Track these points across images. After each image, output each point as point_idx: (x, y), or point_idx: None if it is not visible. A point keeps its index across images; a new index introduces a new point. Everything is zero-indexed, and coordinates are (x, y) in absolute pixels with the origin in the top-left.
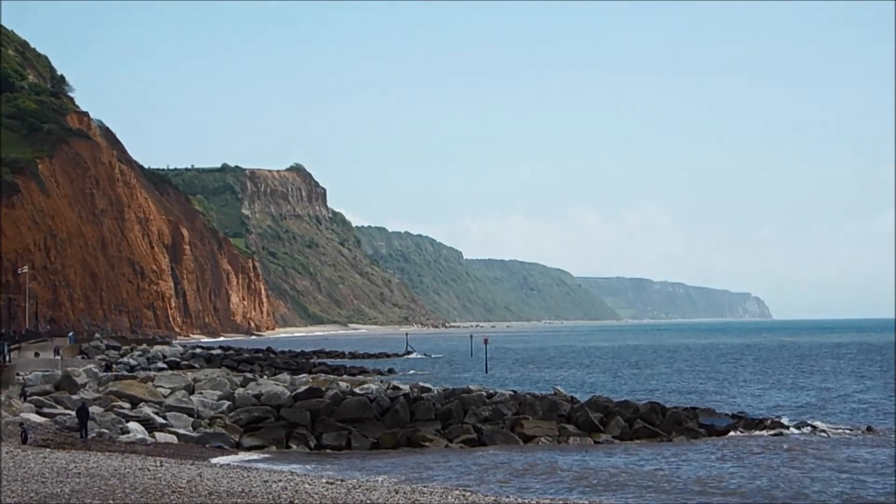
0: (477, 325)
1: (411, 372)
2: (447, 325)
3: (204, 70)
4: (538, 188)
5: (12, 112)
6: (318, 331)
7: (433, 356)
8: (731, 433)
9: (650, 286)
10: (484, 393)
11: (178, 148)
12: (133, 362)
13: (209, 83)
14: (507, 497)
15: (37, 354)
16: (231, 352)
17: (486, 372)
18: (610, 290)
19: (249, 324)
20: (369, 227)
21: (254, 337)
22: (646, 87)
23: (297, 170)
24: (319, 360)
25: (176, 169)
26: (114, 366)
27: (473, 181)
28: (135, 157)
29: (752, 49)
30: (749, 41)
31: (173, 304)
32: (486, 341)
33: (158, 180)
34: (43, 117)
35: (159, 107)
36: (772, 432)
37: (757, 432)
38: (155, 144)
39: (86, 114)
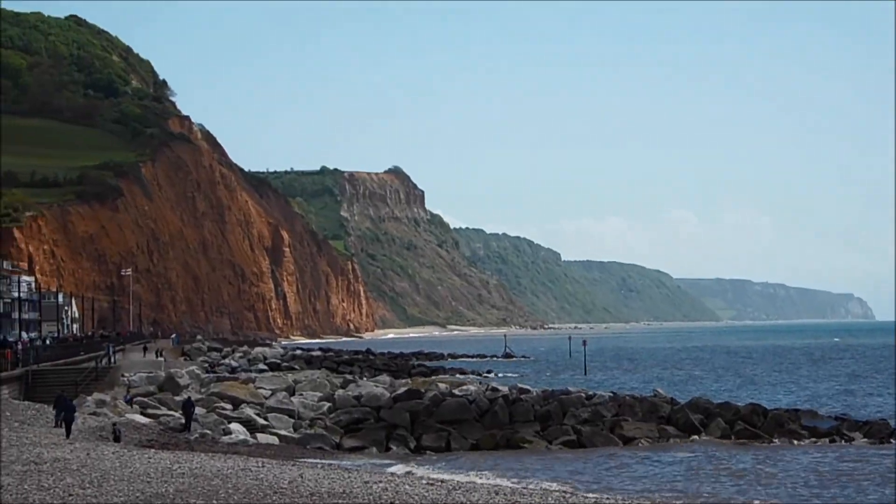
0: (575, 327)
1: (510, 374)
2: (545, 326)
3: (303, 73)
4: (635, 189)
5: (116, 117)
6: (416, 332)
7: (532, 358)
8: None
9: (750, 287)
10: (583, 395)
11: (277, 151)
12: (234, 364)
13: (308, 86)
14: (629, 498)
15: (146, 351)
16: (331, 353)
17: (586, 374)
18: (709, 291)
19: (349, 325)
20: (467, 228)
21: (353, 338)
22: (746, 88)
23: (396, 172)
24: (418, 362)
25: (275, 172)
26: (216, 367)
27: (570, 183)
28: (235, 161)
29: (855, 45)
30: (851, 36)
31: (274, 306)
32: (584, 343)
33: (258, 183)
34: (146, 122)
35: (259, 110)
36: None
37: (860, 435)
38: (255, 148)
39: (187, 118)
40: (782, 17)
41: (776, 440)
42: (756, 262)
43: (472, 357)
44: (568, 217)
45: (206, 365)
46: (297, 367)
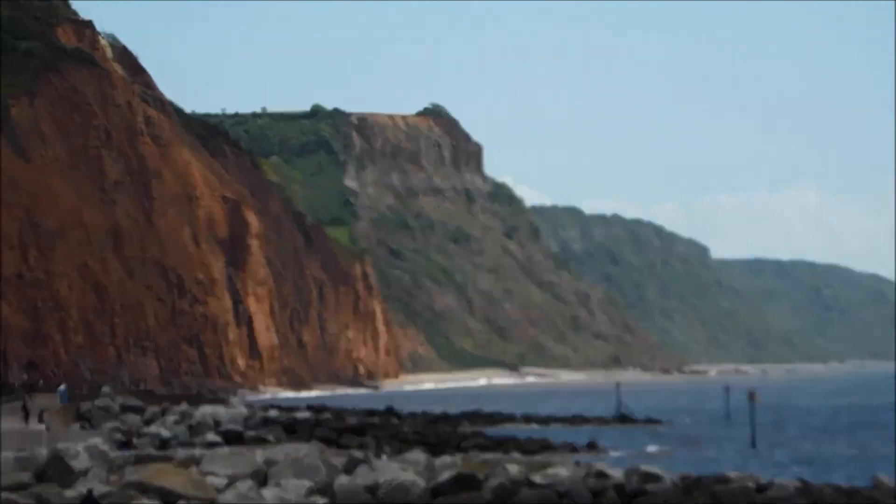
0: (737, 370)
1: (627, 450)
2: (685, 368)
3: None
4: (837, 147)
5: None
6: (469, 379)
7: (663, 422)
8: None
9: None
10: (751, 483)
11: (240, 81)
12: (166, 434)
13: None
14: None
15: (23, 414)
16: (328, 415)
17: (754, 447)
18: None
19: (357, 368)
20: (553, 207)
21: (365, 390)
22: None
23: (435, 114)
24: (473, 429)
25: (237, 115)
26: (135, 439)
27: (722, 135)
28: (170, 97)
29: None
30: None
31: (232, 337)
32: (752, 397)
33: (208, 133)
34: (18, 30)
35: (211, 15)
36: None
37: None
38: (203, 75)
39: (89, 25)
40: None
41: None
42: None
43: (564, 421)
44: (721, 188)
45: (119, 436)
46: (271, 438)
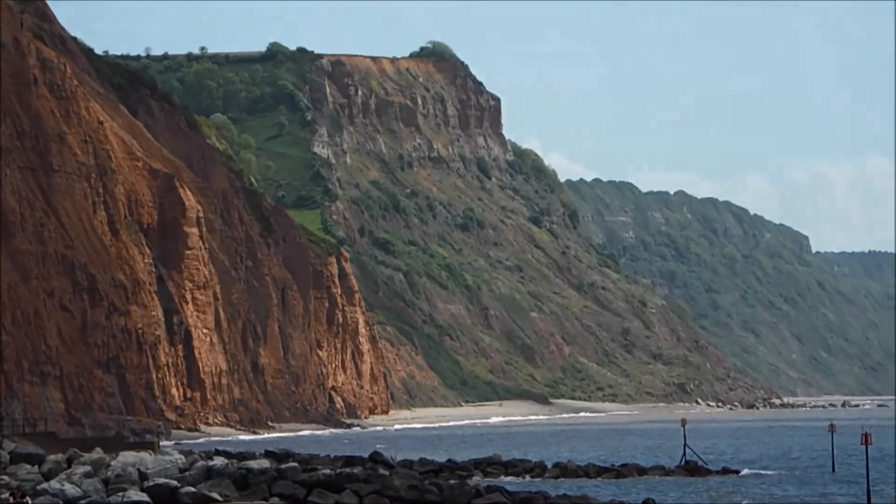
0: (845, 402)
1: None
2: (775, 401)
3: None
4: None
5: None
6: (484, 414)
7: (744, 471)
8: None
9: None
10: None
11: (169, 16)
12: (73, 491)
13: None
14: None
15: None
16: (293, 464)
17: None
18: None
19: (333, 401)
20: (596, 182)
21: (343, 430)
22: None
23: (436, 56)
24: (487, 481)
25: (167, 57)
26: (29, 500)
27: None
28: (74, 34)
29: None
30: None
31: (163, 359)
32: (866, 439)
33: (128, 82)
34: None
35: None
36: None
37: None
38: (119, 7)
39: None
40: None
41: None
42: None
43: (610, 472)
44: (824, 154)
45: (7, 496)
46: (216, 496)
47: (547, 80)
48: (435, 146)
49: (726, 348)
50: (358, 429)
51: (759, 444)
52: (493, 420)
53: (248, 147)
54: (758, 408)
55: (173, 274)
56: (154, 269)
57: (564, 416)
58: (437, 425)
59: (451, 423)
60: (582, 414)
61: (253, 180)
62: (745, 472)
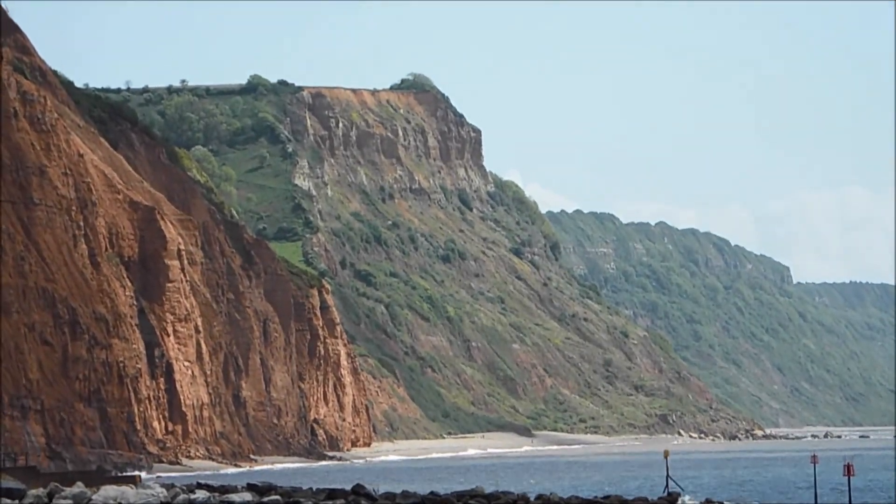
0: (828, 432)
1: None
2: (757, 432)
3: None
4: None
5: None
6: (466, 447)
7: (726, 503)
8: None
9: None
10: None
11: (150, 49)
12: None
13: None
14: None
15: None
16: (274, 496)
17: None
18: None
19: (315, 434)
20: (575, 212)
21: (326, 463)
22: None
23: (417, 89)
24: None
25: (148, 91)
26: None
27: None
28: (55, 66)
29: None
30: None
31: (145, 392)
32: (848, 470)
33: (109, 115)
34: None
35: None
36: None
37: None
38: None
39: None
40: None
41: None
42: None
43: (592, 503)
44: (804, 184)
45: None
46: None
47: (527, 111)
48: (416, 178)
49: (708, 379)
50: (339, 462)
51: (741, 475)
52: (475, 452)
53: (228, 179)
54: (740, 439)
55: (155, 307)
56: (135, 302)
57: (547, 448)
58: (419, 457)
59: (433, 455)
60: (563, 447)
61: (234, 212)
62: (726, 501)
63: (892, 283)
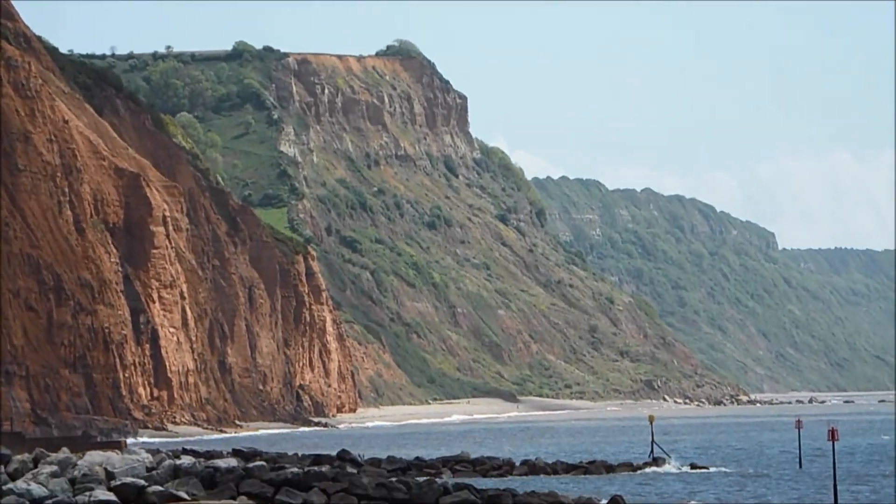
0: (812, 398)
1: None
2: (742, 398)
3: None
4: None
5: None
6: (451, 412)
7: (712, 468)
8: None
9: None
10: None
11: (135, 15)
12: (40, 490)
13: None
14: None
15: None
16: (260, 463)
17: None
18: None
19: (301, 400)
20: (561, 178)
21: (311, 429)
22: None
23: (403, 55)
24: (456, 480)
25: (133, 57)
26: None
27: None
28: (39, 32)
29: None
30: None
31: (130, 358)
32: (832, 435)
33: (94, 81)
34: None
35: None
36: None
37: None
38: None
39: None
40: None
41: None
42: None
43: (578, 469)
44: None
45: None
46: (184, 494)
47: (513, 78)
48: (402, 144)
49: (693, 345)
50: (325, 427)
51: (726, 440)
52: (461, 418)
53: (214, 146)
54: (725, 404)
55: (140, 273)
56: (120, 269)
57: (532, 413)
58: (404, 423)
59: (418, 421)
60: (549, 412)
61: (219, 179)
62: (712, 467)
63: (877, 248)
